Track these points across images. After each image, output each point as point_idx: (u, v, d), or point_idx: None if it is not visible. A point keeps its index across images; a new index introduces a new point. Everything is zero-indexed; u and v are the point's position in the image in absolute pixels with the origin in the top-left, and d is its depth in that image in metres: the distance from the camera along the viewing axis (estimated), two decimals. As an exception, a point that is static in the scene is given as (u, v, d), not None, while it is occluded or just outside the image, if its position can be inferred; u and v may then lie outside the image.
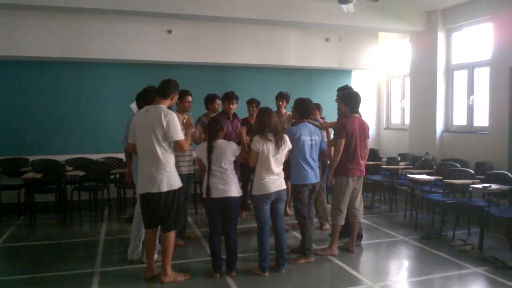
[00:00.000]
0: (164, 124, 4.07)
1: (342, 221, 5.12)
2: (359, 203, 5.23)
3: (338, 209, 5.09)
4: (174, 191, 4.22)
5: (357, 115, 5.16)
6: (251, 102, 6.60)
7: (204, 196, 4.40)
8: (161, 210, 4.18)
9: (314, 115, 5.90)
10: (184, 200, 5.12)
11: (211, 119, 4.74)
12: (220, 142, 4.42)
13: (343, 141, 4.96)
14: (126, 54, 7.85)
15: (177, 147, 4.20)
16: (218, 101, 5.80)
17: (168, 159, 4.19)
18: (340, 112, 5.43)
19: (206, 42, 8.25)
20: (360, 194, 5.25)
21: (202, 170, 4.48)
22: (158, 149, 4.10)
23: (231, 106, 5.80)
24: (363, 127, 5.14)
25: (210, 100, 5.80)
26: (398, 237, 5.92)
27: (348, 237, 5.38)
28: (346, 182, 5.05)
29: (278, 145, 4.44)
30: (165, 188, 4.14)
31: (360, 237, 5.58)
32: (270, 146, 4.41)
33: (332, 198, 5.20)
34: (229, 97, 5.81)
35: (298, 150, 4.75)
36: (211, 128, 4.46)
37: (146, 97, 4.60)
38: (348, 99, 5.16)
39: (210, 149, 4.36)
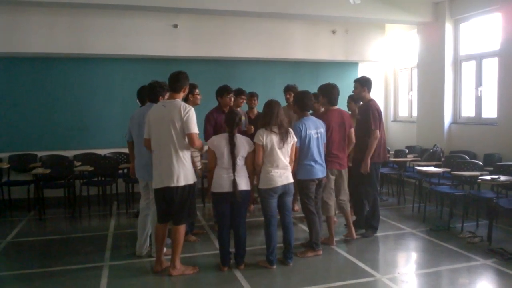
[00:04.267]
0: (184, 118, 4.09)
1: (332, 212, 5.14)
2: (344, 194, 5.27)
3: (325, 201, 5.13)
4: (190, 185, 4.25)
5: (336, 107, 5.16)
6: (252, 96, 6.56)
7: (216, 190, 4.36)
8: (176, 204, 4.20)
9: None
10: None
11: (229, 111, 4.65)
12: (238, 136, 4.39)
13: None
14: (132, 49, 7.87)
15: (189, 140, 4.17)
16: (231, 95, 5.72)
17: (186, 154, 4.23)
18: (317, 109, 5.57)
19: (212, 36, 8.24)
20: (345, 186, 5.26)
21: (212, 163, 4.40)
22: (178, 144, 4.14)
23: (229, 100, 5.71)
24: (343, 119, 5.12)
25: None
26: (406, 230, 5.91)
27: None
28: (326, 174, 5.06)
29: (283, 138, 4.41)
30: (182, 182, 4.17)
31: (374, 229, 5.60)
32: (275, 139, 4.38)
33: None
34: (229, 91, 5.73)
35: (304, 145, 4.74)
36: (231, 121, 4.39)
37: (151, 92, 4.64)
38: (325, 91, 5.18)
39: (232, 144, 4.31)
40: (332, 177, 5.14)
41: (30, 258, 5.06)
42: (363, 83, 5.48)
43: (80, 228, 6.42)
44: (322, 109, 5.47)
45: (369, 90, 5.51)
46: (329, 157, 5.03)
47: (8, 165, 7.41)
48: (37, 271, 4.62)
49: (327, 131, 4.97)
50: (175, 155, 4.14)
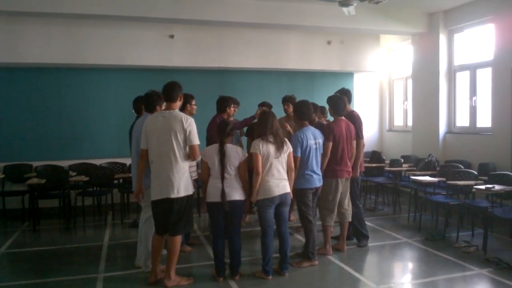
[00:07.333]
0: (187, 129, 4.12)
1: (332, 222, 5.19)
2: (348, 203, 5.32)
3: (329, 210, 5.15)
4: (189, 196, 4.26)
5: (343, 118, 5.23)
6: (263, 105, 6.58)
7: (209, 200, 4.38)
8: (174, 214, 4.18)
9: (319, 118, 5.90)
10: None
11: (221, 122, 4.69)
12: (229, 146, 4.42)
13: (331, 144, 5.03)
14: (128, 59, 7.88)
15: (190, 152, 4.18)
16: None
17: (186, 165, 4.24)
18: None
19: (208, 46, 8.28)
20: (348, 195, 5.32)
21: (206, 174, 4.43)
22: (178, 155, 4.14)
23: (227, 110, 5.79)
24: (350, 129, 5.22)
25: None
26: (402, 239, 5.91)
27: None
28: (335, 184, 5.11)
29: (279, 148, 4.43)
30: (182, 193, 4.17)
31: (366, 238, 5.60)
32: (271, 149, 4.40)
33: (321, 200, 5.19)
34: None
35: (304, 155, 4.76)
36: (222, 131, 4.42)
37: (148, 102, 4.67)
38: (332, 102, 5.26)
39: (222, 153, 4.34)
40: (347, 184, 5.25)
41: (24, 269, 5.02)
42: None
43: (75, 238, 6.38)
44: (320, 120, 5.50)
45: (348, 102, 5.57)
46: (340, 166, 5.10)
47: (3, 175, 7.38)
48: (31, 282, 4.57)
49: (338, 140, 5.04)
50: (176, 166, 4.14)
